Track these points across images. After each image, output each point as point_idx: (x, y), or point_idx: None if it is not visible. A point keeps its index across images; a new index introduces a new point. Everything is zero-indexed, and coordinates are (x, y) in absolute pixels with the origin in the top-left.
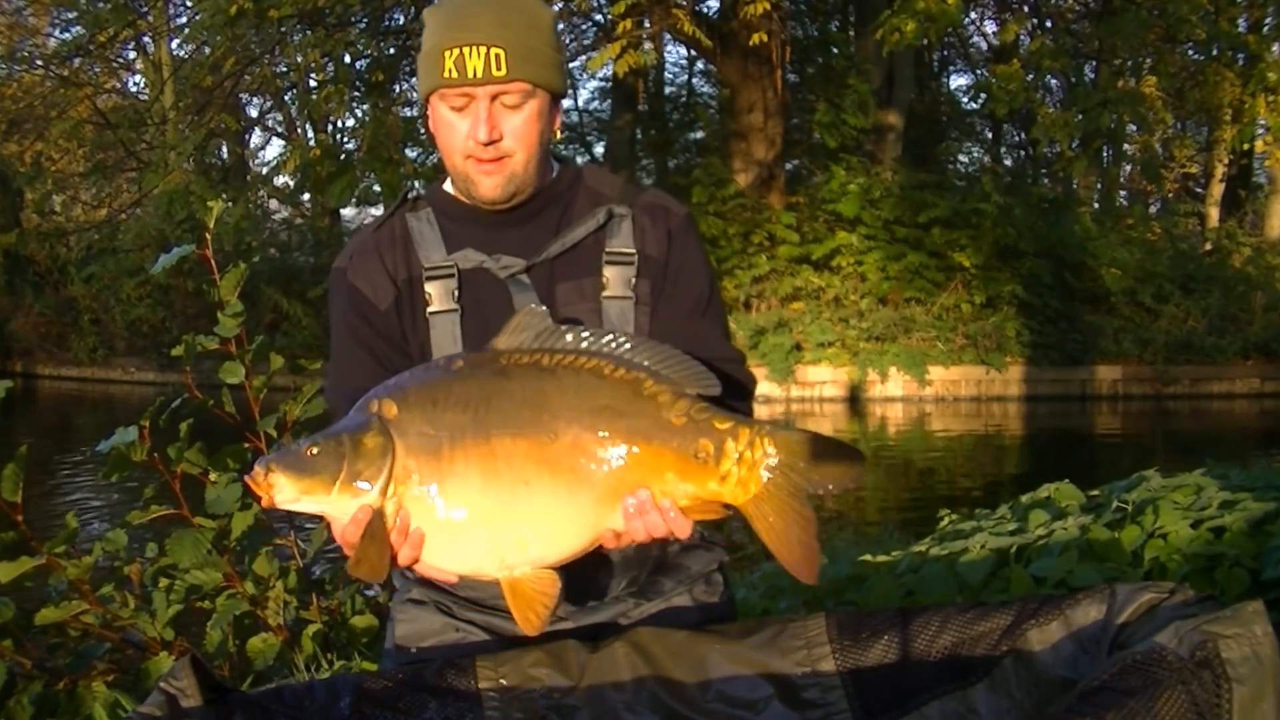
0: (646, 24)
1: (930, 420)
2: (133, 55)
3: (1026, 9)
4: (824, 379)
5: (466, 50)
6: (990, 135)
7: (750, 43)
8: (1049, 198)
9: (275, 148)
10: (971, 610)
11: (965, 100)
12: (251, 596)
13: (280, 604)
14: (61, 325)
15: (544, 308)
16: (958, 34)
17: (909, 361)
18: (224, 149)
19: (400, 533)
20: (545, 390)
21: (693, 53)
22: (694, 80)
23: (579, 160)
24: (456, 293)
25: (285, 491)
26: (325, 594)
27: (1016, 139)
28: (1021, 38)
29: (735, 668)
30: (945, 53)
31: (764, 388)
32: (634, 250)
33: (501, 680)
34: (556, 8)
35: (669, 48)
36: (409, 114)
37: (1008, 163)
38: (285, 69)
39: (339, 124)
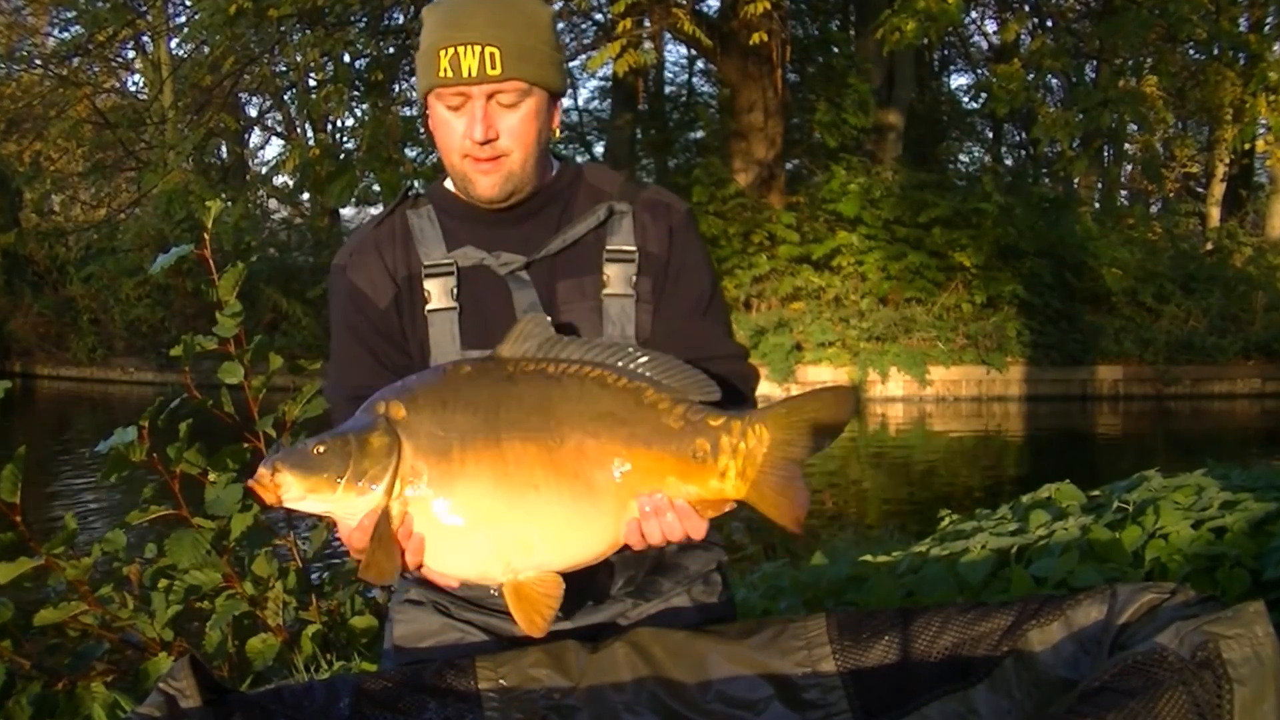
0: (646, 23)
1: (931, 420)
2: (132, 55)
3: (1027, 8)
4: (824, 379)
5: (462, 49)
6: (991, 135)
7: (750, 42)
8: (1050, 197)
9: (274, 147)
10: (972, 611)
11: (966, 100)
12: (251, 597)
13: (279, 604)
14: (60, 325)
15: (546, 316)
16: (958, 33)
17: (909, 361)
18: (223, 148)
19: (406, 534)
20: (551, 396)
21: (693, 52)
22: (694, 80)
23: (579, 159)
24: (455, 290)
25: (291, 490)
26: (324, 594)
27: (1017, 138)
28: (1022, 37)
29: (735, 668)
30: (946, 52)
31: (764, 388)
32: (634, 247)
33: (501, 680)
34: (556, 7)
35: (669, 47)
36: (408, 113)
37: (1008, 162)
38: (284, 68)
39: (338, 123)
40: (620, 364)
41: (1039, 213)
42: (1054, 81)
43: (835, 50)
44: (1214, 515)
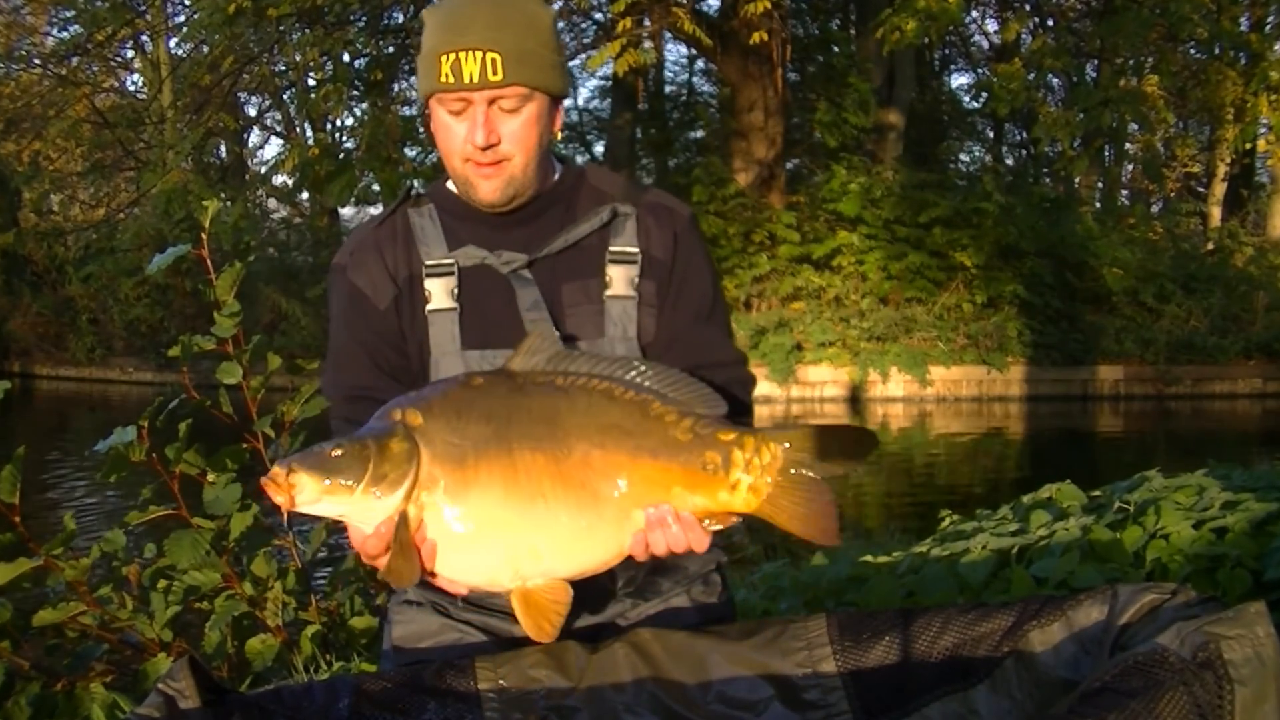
0: (646, 22)
1: (931, 420)
2: (131, 54)
3: (1028, 8)
4: (825, 379)
5: (462, 55)
6: (991, 134)
7: (751, 41)
8: (1050, 197)
9: (274, 147)
10: (973, 611)
11: (966, 99)
12: (250, 597)
13: (279, 605)
14: (59, 325)
15: (554, 330)
16: (959, 33)
17: (910, 361)
18: (222, 148)
19: (420, 540)
20: (559, 408)
21: (693, 51)
22: (694, 79)
23: (578, 160)
24: (456, 291)
25: (307, 492)
26: (324, 595)
27: (1018, 138)
28: (1023, 36)
29: (735, 669)
30: (946, 51)
31: (764, 388)
32: (638, 249)
33: (501, 681)
34: (556, 6)
35: (669, 46)
36: (408, 113)
37: (1009, 162)
38: (284, 68)
39: (338, 123)
40: (627, 377)
41: (1040, 212)
42: (1055, 81)
43: (835, 49)
44: (1215, 515)
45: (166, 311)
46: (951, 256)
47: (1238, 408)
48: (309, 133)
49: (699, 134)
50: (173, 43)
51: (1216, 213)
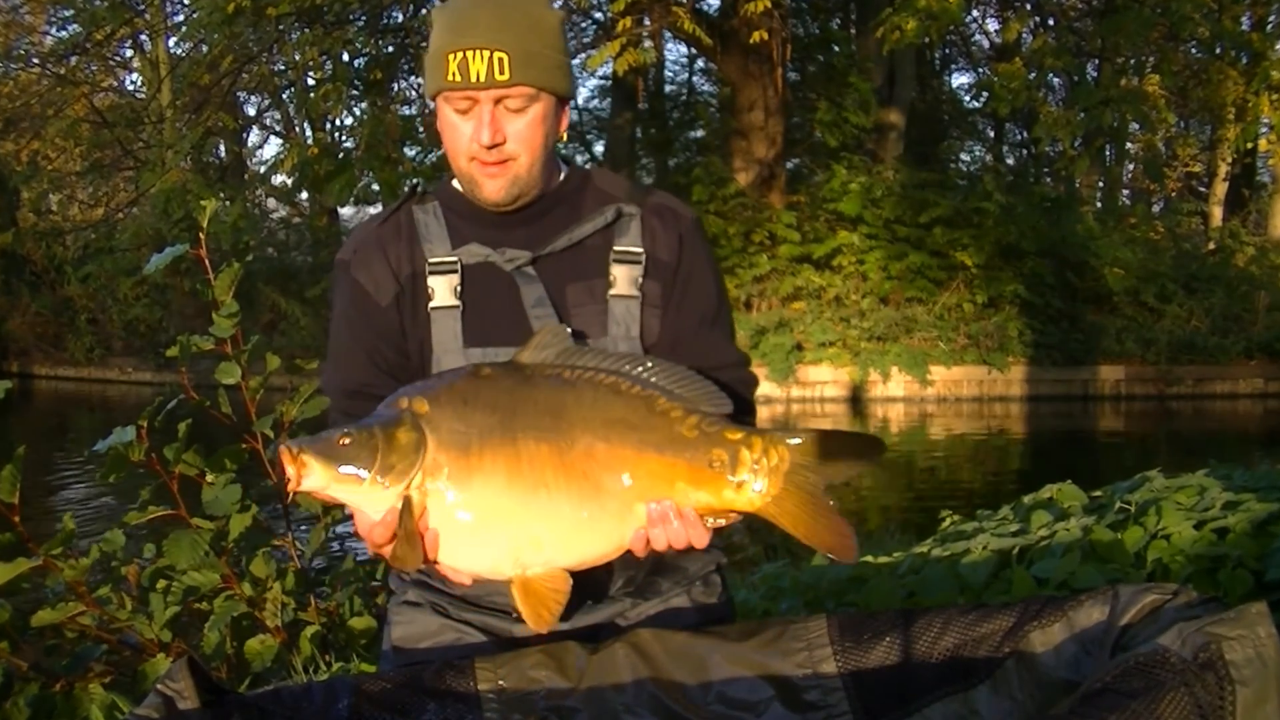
0: (646, 22)
1: (932, 421)
2: (130, 53)
3: (1029, 7)
4: (825, 379)
5: (470, 54)
6: (992, 134)
7: (751, 41)
8: (1051, 197)
9: (273, 146)
10: (973, 612)
11: (967, 99)
12: (249, 598)
13: (278, 605)
14: (58, 325)
15: (565, 327)
16: (959, 32)
17: (910, 361)
18: (221, 147)
19: (424, 526)
20: (564, 400)
21: (693, 51)
22: (694, 78)
23: (578, 159)
24: (459, 288)
25: (314, 478)
26: (323, 595)
27: (1018, 138)
28: (1024, 36)
29: (736, 669)
30: (947, 51)
31: (764, 388)
32: (642, 250)
33: (500, 682)
34: (555, 5)
35: (669, 46)
36: (407, 112)
37: (1010, 161)
38: (283, 67)
39: (337, 122)
40: (634, 372)
41: (1041, 212)
42: (1056, 80)
43: (836, 49)
44: (1216, 516)
45: (165, 311)
46: (952, 256)
47: (1239, 408)
48: (308, 132)
49: (699, 133)
50: (172, 42)
51: (1218, 212)
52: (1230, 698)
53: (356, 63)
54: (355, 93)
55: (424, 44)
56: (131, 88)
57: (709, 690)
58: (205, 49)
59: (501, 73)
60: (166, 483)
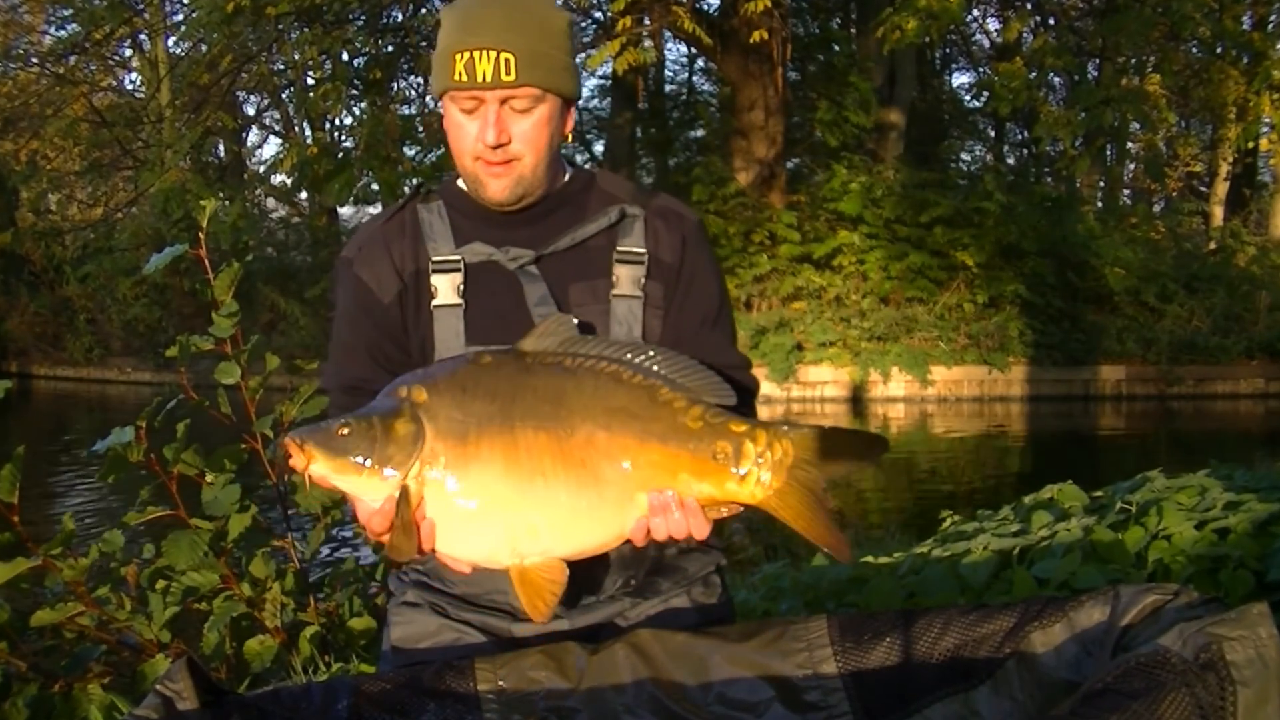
0: (646, 21)
1: (932, 421)
2: (129, 53)
3: (1029, 6)
4: (825, 379)
5: (477, 54)
6: (993, 133)
7: (751, 40)
8: (1052, 196)
9: (272, 146)
10: (974, 612)
11: (968, 98)
12: (248, 598)
13: (277, 606)
14: (57, 325)
15: (571, 317)
16: (960, 31)
17: (911, 361)
18: (221, 147)
19: (421, 515)
20: (565, 389)
21: (693, 50)
22: (694, 78)
23: (577, 158)
24: (462, 287)
25: (316, 466)
26: (322, 596)
27: (1019, 137)
28: (1024, 35)
29: (736, 670)
30: (947, 50)
31: (765, 388)
32: (645, 250)
33: (500, 682)
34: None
35: (669, 45)
36: (407, 112)
37: (1010, 161)
38: (282, 66)
39: (336, 122)
40: (636, 361)
41: (1041, 212)
42: (1056, 80)
43: (836, 48)
44: (1217, 516)
45: (164, 311)
46: (953, 256)
47: (1240, 408)
48: (308, 132)
49: (699, 133)
50: (171, 41)
51: (1219, 212)
52: (1231, 698)
53: (356, 62)
54: (355, 92)
55: (424, 43)
56: (131, 87)
57: (709, 691)
58: (204, 48)
59: (508, 73)
60: (165, 483)
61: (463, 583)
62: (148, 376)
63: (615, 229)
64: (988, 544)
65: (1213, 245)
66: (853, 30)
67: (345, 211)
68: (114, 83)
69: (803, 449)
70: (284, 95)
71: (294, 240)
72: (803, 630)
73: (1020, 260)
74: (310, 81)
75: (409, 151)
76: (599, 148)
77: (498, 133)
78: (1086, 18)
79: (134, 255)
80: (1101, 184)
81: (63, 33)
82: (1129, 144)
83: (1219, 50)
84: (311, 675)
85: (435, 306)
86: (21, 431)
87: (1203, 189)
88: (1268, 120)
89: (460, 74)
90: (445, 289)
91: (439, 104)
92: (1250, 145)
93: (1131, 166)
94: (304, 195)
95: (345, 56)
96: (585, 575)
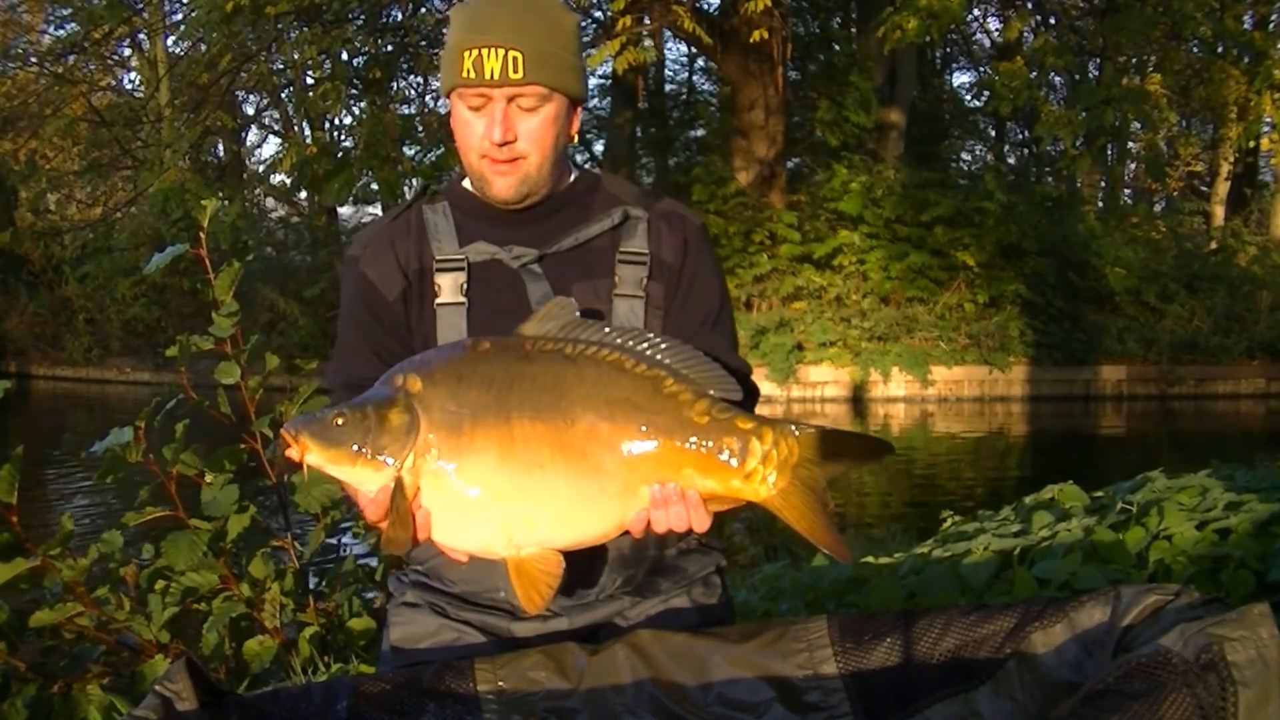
0: (646, 21)
1: (933, 421)
2: (128, 52)
3: (1030, 6)
4: (826, 379)
5: (485, 51)
6: (993, 133)
7: (751, 40)
8: (1052, 196)
9: (272, 145)
10: (974, 613)
11: (968, 98)
12: (248, 599)
13: (277, 606)
14: (56, 325)
15: (573, 300)
16: (960, 31)
17: (911, 361)
18: (220, 147)
19: (417, 506)
20: (565, 377)
21: (693, 50)
22: (694, 78)
23: (577, 157)
24: (465, 286)
25: (311, 457)
26: (322, 596)
27: (1020, 137)
28: (1025, 35)
29: (736, 670)
30: (948, 50)
31: (765, 388)
32: (647, 252)
33: (500, 683)
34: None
35: (669, 45)
36: (406, 111)
37: (1011, 161)
38: (282, 66)
39: (336, 121)
40: (639, 349)
41: (1042, 211)
42: (1057, 79)
43: (836, 48)
44: (1218, 516)
45: (164, 311)
46: (953, 256)
47: (1241, 408)
48: (307, 131)
49: (699, 133)
50: (170, 41)
51: (1220, 212)
52: (1232, 699)
53: (355, 62)
54: (354, 92)
55: (423, 43)
56: (130, 87)
57: (709, 691)
58: (204, 48)
59: (515, 71)
60: (164, 483)
61: (462, 581)
62: (147, 376)
63: (619, 230)
64: (988, 544)
65: (1214, 245)
66: (853, 30)
67: (344, 211)
68: (113, 82)
69: (807, 449)
70: (283, 95)
71: (293, 240)
72: (803, 631)
73: (1021, 260)
74: (310, 81)
75: (408, 151)
76: (599, 147)
77: (504, 130)
78: (1087, 17)
79: (133, 255)
80: (1102, 184)
81: (62, 32)
82: (1130, 144)
83: (1220, 50)
84: (311, 676)
85: (439, 305)
86: (20, 432)
87: (1204, 189)
88: (1269, 120)
89: (468, 71)
90: (449, 287)
91: (445, 102)
92: (1251, 145)
93: (1132, 166)
94: (303, 195)
95: (345, 56)
96: (584, 572)
